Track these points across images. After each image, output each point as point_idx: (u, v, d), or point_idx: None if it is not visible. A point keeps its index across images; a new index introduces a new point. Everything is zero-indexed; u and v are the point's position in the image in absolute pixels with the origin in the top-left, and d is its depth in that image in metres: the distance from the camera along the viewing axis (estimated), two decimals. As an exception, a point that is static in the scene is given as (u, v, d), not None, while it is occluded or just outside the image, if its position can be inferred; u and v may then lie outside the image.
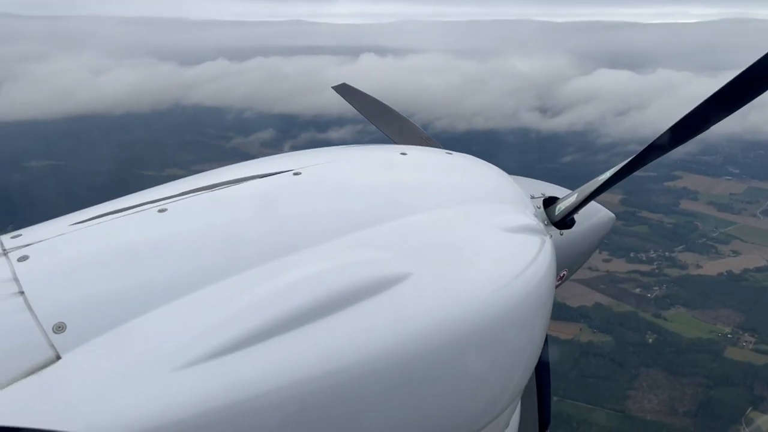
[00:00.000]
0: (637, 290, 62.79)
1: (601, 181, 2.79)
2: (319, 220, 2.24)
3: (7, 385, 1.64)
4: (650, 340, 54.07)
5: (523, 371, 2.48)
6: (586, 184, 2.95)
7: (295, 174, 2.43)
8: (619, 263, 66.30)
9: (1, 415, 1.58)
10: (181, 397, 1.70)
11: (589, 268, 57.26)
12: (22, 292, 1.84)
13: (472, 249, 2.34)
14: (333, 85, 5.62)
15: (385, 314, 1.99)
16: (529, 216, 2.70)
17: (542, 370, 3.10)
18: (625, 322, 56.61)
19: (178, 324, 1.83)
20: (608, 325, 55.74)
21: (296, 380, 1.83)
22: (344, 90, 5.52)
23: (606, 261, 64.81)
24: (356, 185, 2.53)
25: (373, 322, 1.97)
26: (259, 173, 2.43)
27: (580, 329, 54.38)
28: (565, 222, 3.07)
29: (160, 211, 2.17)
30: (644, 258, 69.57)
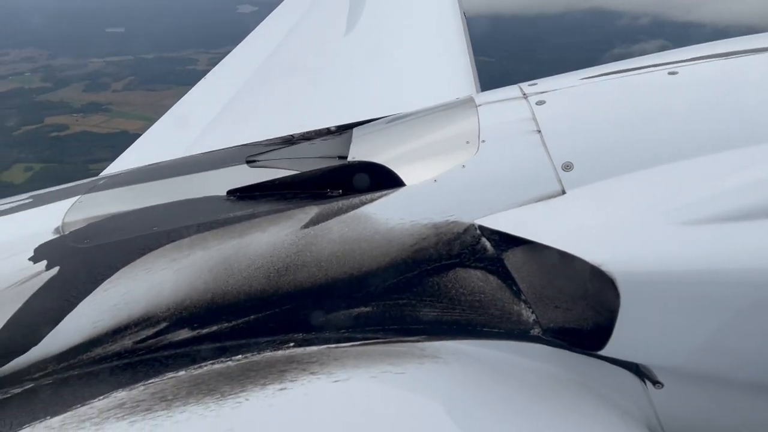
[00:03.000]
0: None
1: None
2: None
3: (521, 205, 1.95)
4: None
5: None
6: None
7: None
8: None
9: (516, 227, 1.91)
10: (679, 251, 1.74)
11: None
12: (538, 131, 2.06)
13: None
14: None
15: None
16: None
17: None
18: None
19: (682, 182, 1.85)
20: None
21: None
22: None
23: None
24: None
25: None
26: None
27: None
28: None
29: (671, 73, 2.16)
30: None
